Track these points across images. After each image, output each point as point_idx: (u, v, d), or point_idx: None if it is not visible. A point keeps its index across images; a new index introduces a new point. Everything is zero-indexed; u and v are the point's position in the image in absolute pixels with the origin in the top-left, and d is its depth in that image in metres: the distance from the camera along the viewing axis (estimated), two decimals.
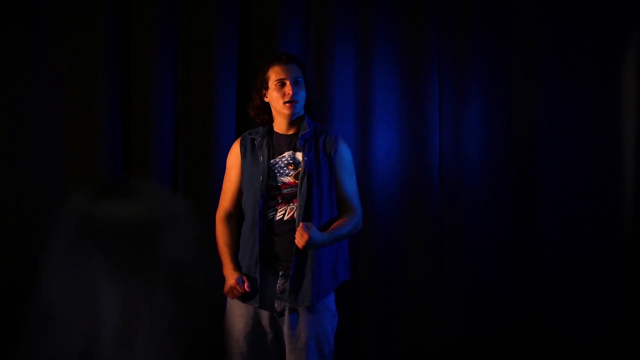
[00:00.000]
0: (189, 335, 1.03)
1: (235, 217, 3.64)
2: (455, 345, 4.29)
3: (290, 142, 3.56)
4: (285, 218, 3.50)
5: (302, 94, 3.57)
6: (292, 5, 4.32)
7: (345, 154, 3.60)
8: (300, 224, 3.40)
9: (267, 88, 3.58)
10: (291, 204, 3.50)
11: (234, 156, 3.67)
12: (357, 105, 4.33)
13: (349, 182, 3.60)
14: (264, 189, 3.49)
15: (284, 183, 3.51)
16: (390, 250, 4.32)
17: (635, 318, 4.19)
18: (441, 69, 4.32)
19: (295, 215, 3.48)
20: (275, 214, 3.51)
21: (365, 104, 4.33)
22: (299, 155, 3.53)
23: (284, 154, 3.55)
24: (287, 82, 3.52)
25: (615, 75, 4.23)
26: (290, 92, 3.52)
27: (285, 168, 3.53)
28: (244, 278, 3.50)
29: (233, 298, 3.54)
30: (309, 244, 3.40)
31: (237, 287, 3.49)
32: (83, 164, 4.23)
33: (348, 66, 4.32)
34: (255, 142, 3.59)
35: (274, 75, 3.55)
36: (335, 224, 3.53)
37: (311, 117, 3.64)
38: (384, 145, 4.32)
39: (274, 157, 3.55)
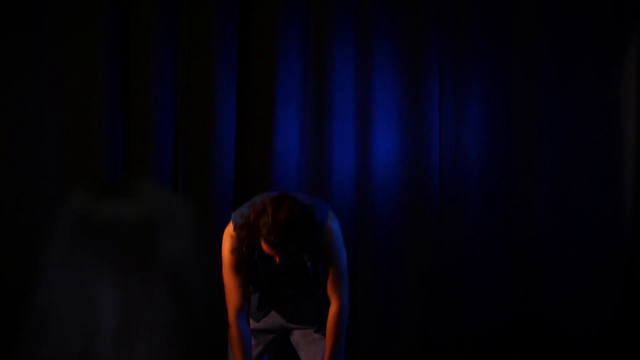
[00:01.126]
0: (189, 336, 1.03)
1: (247, 311, 3.37)
2: (455, 345, 4.29)
3: None
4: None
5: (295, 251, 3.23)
6: (292, 5, 4.32)
7: (334, 236, 3.34)
8: None
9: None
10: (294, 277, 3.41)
11: (237, 254, 3.29)
12: (357, 105, 4.33)
13: (338, 265, 3.36)
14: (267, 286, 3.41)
15: (287, 277, 3.39)
16: (390, 250, 4.32)
17: (635, 318, 4.19)
18: (441, 69, 4.32)
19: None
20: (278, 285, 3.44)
21: (365, 104, 4.32)
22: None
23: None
24: (277, 259, 3.20)
25: (615, 75, 4.23)
26: (278, 262, 3.22)
27: (284, 268, 3.33)
28: None
29: None
30: None
31: None
32: (83, 164, 4.23)
33: (348, 66, 4.32)
34: (256, 256, 3.30)
35: (264, 247, 3.12)
36: (330, 343, 3.35)
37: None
38: (384, 145, 4.32)
39: (272, 266, 3.33)
